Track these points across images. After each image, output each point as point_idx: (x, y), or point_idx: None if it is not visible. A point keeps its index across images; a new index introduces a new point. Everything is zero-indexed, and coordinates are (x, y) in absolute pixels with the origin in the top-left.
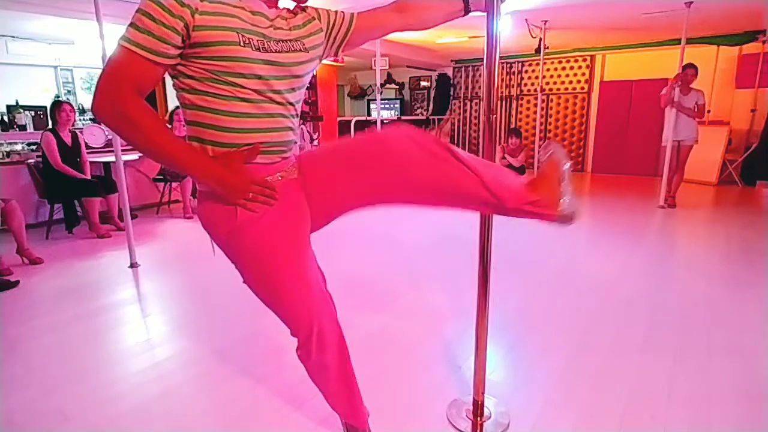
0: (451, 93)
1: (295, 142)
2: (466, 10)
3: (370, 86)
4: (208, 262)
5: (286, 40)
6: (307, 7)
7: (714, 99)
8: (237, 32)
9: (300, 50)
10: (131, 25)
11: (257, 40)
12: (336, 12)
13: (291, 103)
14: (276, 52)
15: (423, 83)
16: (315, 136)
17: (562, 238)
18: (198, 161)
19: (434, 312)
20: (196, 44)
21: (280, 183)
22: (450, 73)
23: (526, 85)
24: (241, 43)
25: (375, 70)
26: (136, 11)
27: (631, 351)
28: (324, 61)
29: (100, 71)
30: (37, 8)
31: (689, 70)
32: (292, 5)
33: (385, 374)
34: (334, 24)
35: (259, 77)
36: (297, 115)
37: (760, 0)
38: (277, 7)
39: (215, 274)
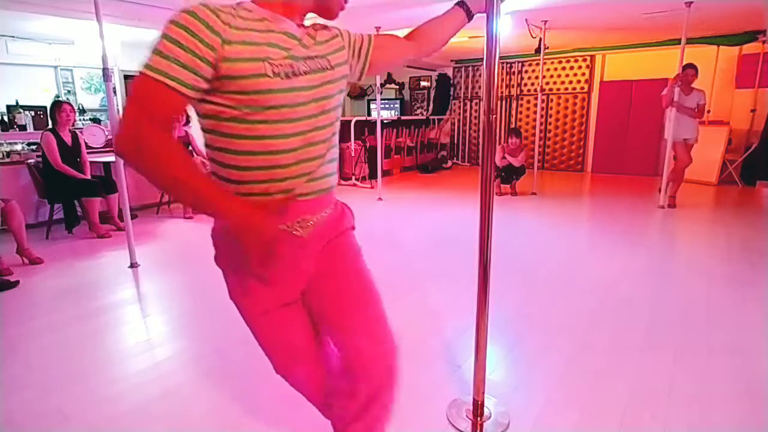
0: (451, 93)
1: (329, 176)
2: (469, 17)
3: (370, 86)
4: (209, 262)
5: (313, 57)
6: (327, 26)
7: (714, 99)
8: (266, 62)
9: (327, 68)
10: (155, 52)
11: (288, 65)
12: (353, 33)
13: (319, 128)
14: (304, 74)
15: (423, 83)
16: None
17: (562, 238)
18: (223, 196)
19: (434, 312)
20: (224, 77)
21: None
22: (450, 73)
23: (526, 85)
24: (271, 74)
25: None
26: (160, 36)
27: (632, 350)
28: None
29: (101, 72)
30: (37, 8)
31: (689, 71)
32: (313, 22)
33: None
34: (354, 42)
35: (283, 106)
36: (324, 141)
37: (760, 0)
38: (303, 26)
39: (215, 274)
